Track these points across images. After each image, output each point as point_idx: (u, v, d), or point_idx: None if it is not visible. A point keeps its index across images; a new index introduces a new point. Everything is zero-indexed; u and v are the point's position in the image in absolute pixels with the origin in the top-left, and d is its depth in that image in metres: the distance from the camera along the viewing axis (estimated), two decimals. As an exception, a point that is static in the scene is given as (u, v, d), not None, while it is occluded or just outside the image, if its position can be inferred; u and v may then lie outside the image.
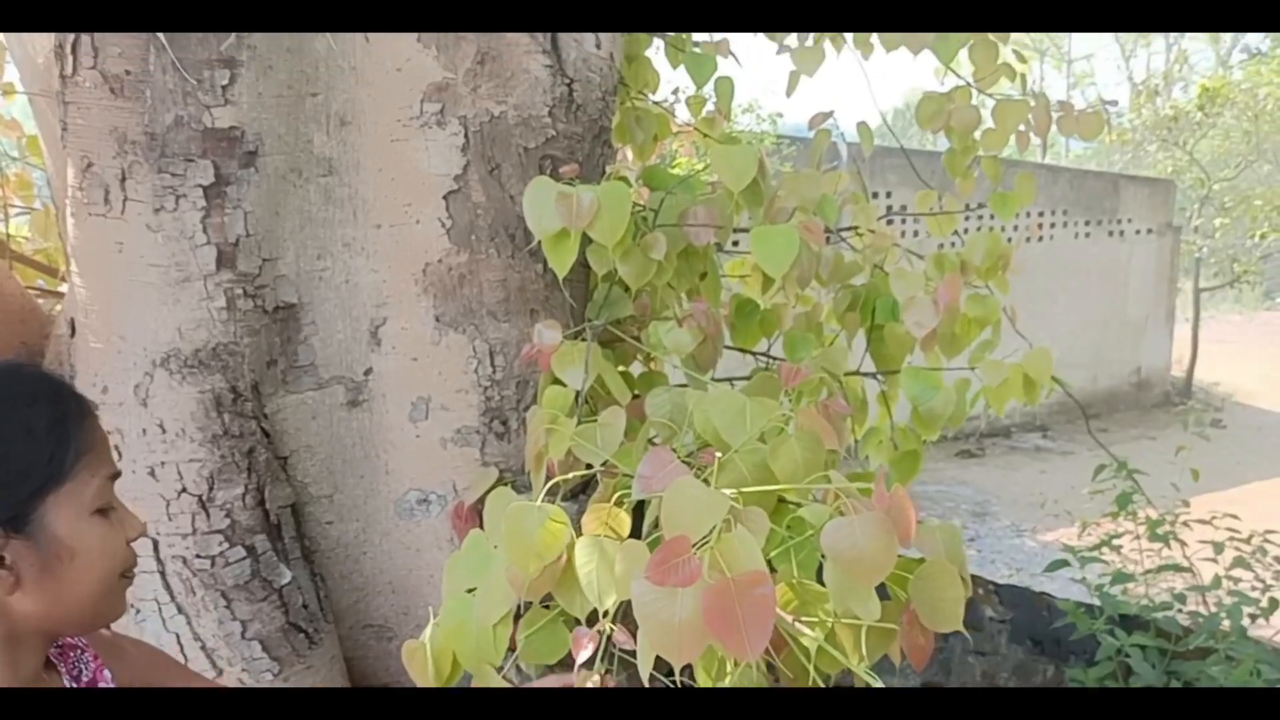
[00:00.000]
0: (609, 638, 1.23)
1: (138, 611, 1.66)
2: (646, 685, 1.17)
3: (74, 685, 1.02)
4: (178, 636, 1.66)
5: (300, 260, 1.68)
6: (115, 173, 1.52)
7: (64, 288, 2.31)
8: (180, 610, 1.65)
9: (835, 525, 1.08)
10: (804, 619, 1.18)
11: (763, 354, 2.28)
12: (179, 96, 1.49)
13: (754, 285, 2.37)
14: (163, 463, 1.61)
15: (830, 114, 2.17)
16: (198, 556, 1.64)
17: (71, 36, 1.48)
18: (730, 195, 1.83)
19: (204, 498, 1.63)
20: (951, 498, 7.56)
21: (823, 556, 1.30)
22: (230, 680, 1.69)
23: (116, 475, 0.95)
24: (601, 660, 1.24)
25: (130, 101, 1.49)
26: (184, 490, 1.62)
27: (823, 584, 1.19)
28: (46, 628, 0.93)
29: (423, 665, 1.37)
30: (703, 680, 1.22)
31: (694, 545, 1.01)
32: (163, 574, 1.64)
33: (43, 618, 0.90)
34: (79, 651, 1.06)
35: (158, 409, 1.60)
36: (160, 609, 1.65)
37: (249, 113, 1.54)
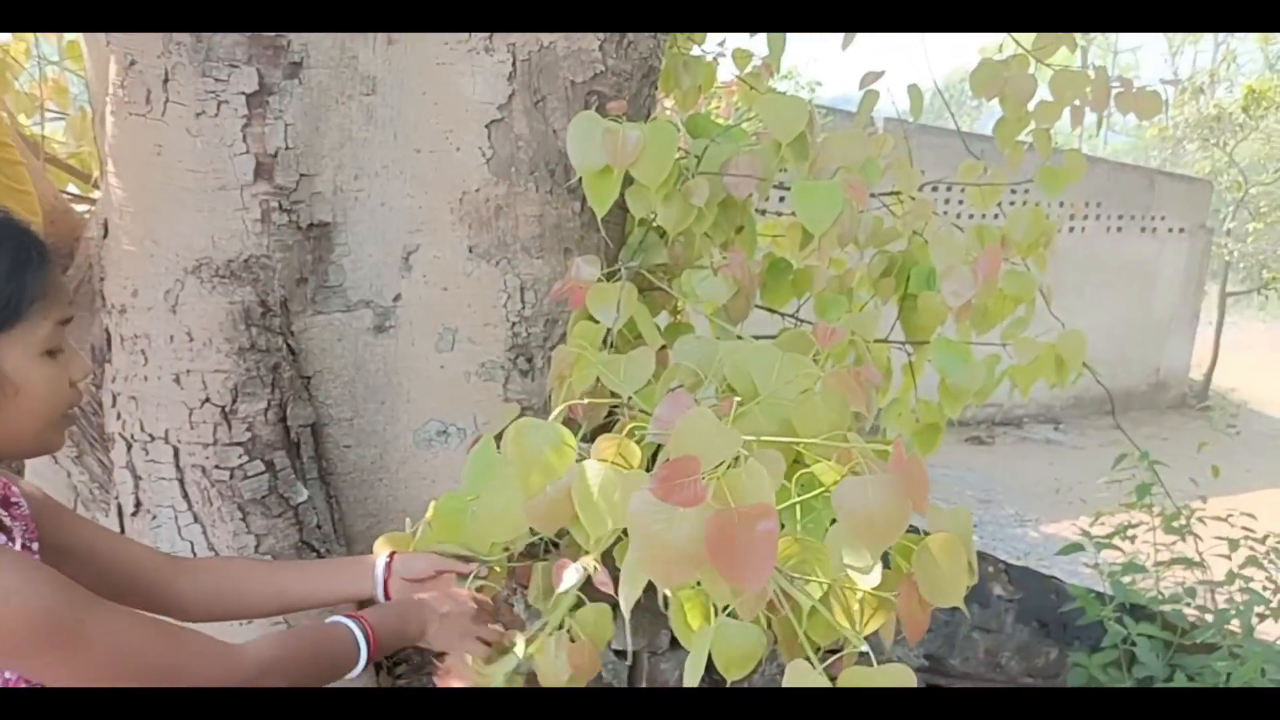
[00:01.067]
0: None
1: (154, 517, 1.67)
2: (628, 615, 1.15)
3: None
4: (191, 545, 1.66)
5: (337, 179, 1.66)
6: (158, 73, 1.50)
7: (95, 193, 2.30)
8: (196, 519, 1.65)
9: (849, 483, 1.06)
10: (802, 576, 1.17)
11: (791, 315, 2.26)
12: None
13: (786, 246, 2.35)
14: (188, 371, 1.60)
15: (882, 73, 2.13)
16: (217, 467, 1.64)
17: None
18: (775, 148, 1.80)
19: (227, 409, 1.63)
20: (957, 482, 7.55)
21: (832, 521, 1.29)
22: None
23: (68, 320, 1.03)
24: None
25: None
26: (207, 400, 1.62)
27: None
28: None
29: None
30: (691, 622, 1.20)
31: (703, 473, 1.00)
32: (181, 482, 1.65)
33: None
34: None
35: (186, 316, 1.59)
36: (176, 516, 1.65)
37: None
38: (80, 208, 2.13)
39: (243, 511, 1.67)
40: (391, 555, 1.36)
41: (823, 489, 1.19)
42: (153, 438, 1.64)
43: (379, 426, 1.81)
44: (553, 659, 1.28)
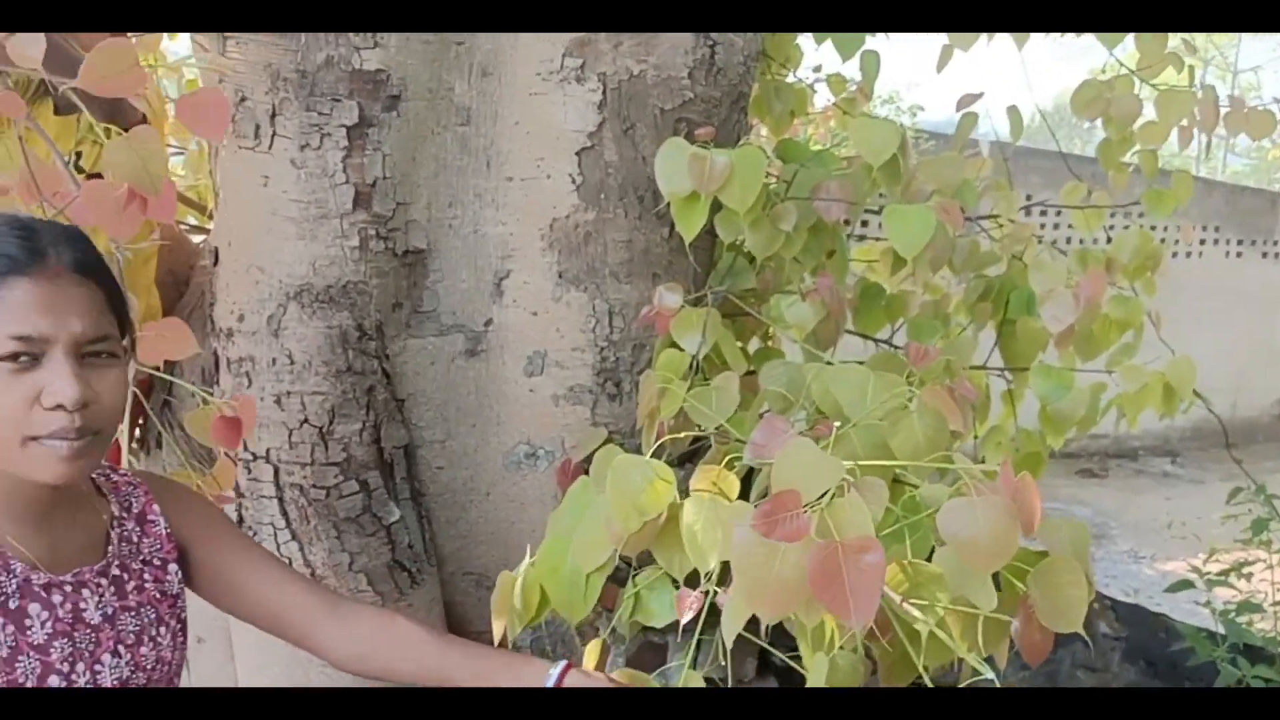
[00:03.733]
0: (713, 600, 1.22)
1: (254, 533, 1.72)
2: (729, 646, 1.14)
3: (124, 513, 1.13)
4: (290, 561, 1.71)
5: (432, 207, 1.71)
6: (266, 108, 1.57)
7: (209, 224, 2.42)
8: (294, 536, 1.71)
9: (954, 505, 1.03)
10: (914, 601, 1.14)
11: (884, 341, 2.22)
12: (331, 36, 1.53)
13: (880, 270, 2.31)
14: (288, 392, 1.66)
15: (980, 95, 2.09)
16: (314, 486, 1.69)
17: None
18: (867, 171, 1.78)
19: (324, 430, 1.68)
20: (1068, 516, 7.26)
21: (938, 541, 1.25)
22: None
23: (30, 338, 0.96)
24: (704, 622, 1.22)
25: (285, 39, 1.53)
26: (306, 421, 1.67)
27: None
28: None
29: (508, 597, 1.38)
30: (806, 655, 1.19)
31: (805, 505, 0.99)
32: (280, 500, 1.70)
33: None
34: (131, 486, 1.17)
35: (288, 340, 1.65)
36: (275, 533, 1.71)
37: (395, 56, 1.57)
38: (196, 238, 2.23)
39: (338, 530, 1.72)
40: (568, 666, 1.21)
41: (929, 511, 1.16)
42: (255, 457, 1.70)
43: (470, 448, 1.84)
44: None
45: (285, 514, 1.70)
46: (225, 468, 1.59)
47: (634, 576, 1.43)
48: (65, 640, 1.02)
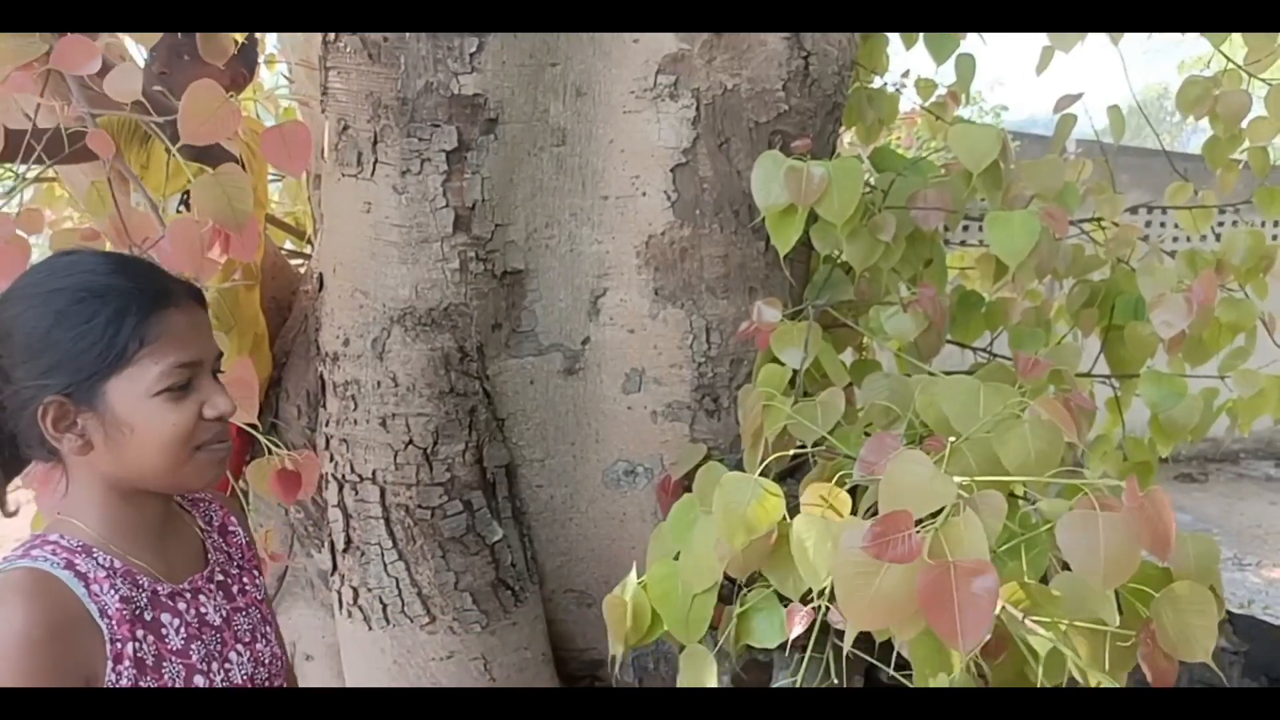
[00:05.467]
0: (824, 617, 1.20)
1: (362, 554, 1.75)
2: (845, 653, 1.13)
3: (207, 527, 1.21)
4: (397, 581, 1.74)
5: (529, 227, 1.72)
6: (368, 136, 1.60)
7: (308, 249, 2.48)
8: (401, 556, 1.73)
9: (1073, 519, 1.00)
10: (1036, 619, 1.11)
11: (984, 349, 2.17)
12: (430, 63, 1.55)
13: (978, 277, 2.26)
14: (393, 414, 1.69)
15: (1079, 96, 2.03)
16: (419, 507, 1.72)
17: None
18: (966, 179, 1.75)
19: (428, 451, 1.70)
20: (1196, 531, 7.01)
21: (1055, 557, 1.22)
22: (441, 630, 1.77)
23: (195, 362, 1.05)
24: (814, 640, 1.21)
25: (386, 67, 1.56)
26: (410, 442, 1.70)
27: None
28: (133, 484, 1.06)
29: (621, 620, 1.38)
30: (919, 675, 1.16)
31: (918, 523, 0.96)
32: (387, 520, 1.73)
33: (121, 477, 1.05)
34: (207, 502, 1.25)
35: (392, 363, 1.68)
36: (383, 553, 1.74)
37: (492, 80, 1.59)
38: (295, 262, 2.29)
39: (443, 549, 1.74)
40: None
41: (1045, 525, 1.13)
42: (361, 478, 1.73)
43: (569, 466, 1.85)
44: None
45: (392, 534, 1.73)
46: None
47: (741, 596, 1.42)
48: (199, 643, 1.09)
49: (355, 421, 1.72)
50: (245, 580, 1.22)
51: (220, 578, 1.17)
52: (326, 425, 1.78)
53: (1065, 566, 1.14)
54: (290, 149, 1.40)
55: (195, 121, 1.31)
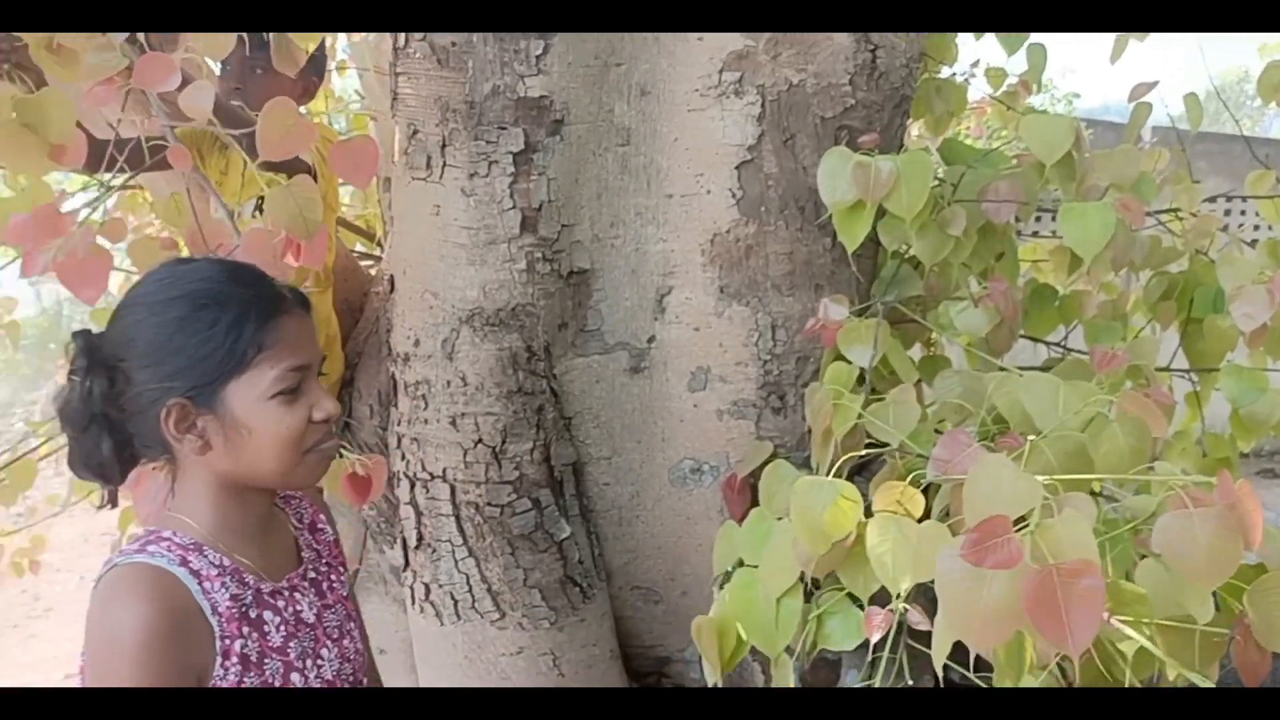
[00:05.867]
0: (902, 620, 1.19)
1: (434, 550, 1.78)
2: (940, 673, 1.11)
3: (299, 524, 1.26)
4: (467, 577, 1.77)
5: (595, 227, 1.73)
6: (437, 140, 1.62)
7: (377, 250, 2.52)
8: (471, 553, 1.76)
9: (1171, 519, 0.98)
10: (1120, 618, 1.09)
11: (1057, 344, 2.13)
12: (497, 66, 1.57)
13: (1051, 270, 2.22)
14: (463, 414, 1.71)
15: (1155, 84, 1.98)
16: (489, 504, 1.74)
17: (405, 11, 1.59)
18: (1038, 170, 1.71)
19: (497, 449, 1.72)
20: None
21: (1140, 555, 1.19)
22: (511, 625, 1.79)
23: (305, 365, 1.10)
24: (892, 644, 1.20)
25: (454, 71, 1.58)
26: (480, 441, 1.72)
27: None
28: (246, 483, 1.12)
29: (711, 640, 1.38)
30: (1000, 678, 1.15)
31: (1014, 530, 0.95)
32: (457, 518, 1.75)
33: (237, 476, 1.10)
34: (299, 500, 1.29)
35: (461, 363, 1.70)
36: (453, 550, 1.76)
37: (558, 82, 1.60)
38: (365, 264, 2.33)
39: (512, 547, 1.76)
40: None
41: (1131, 524, 1.11)
42: (432, 476, 1.76)
43: (635, 465, 1.86)
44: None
45: (462, 531, 1.75)
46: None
47: (815, 599, 1.41)
48: (296, 640, 1.13)
49: (426, 420, 1.75)
50: (333, 577, 1.26)
51: (312, 575, 1.22)
52: (398, 424, 1.81)
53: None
54: (358, 163, 1.45)
55: (272, 138, 1.35)
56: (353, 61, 2.16)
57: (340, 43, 2.24)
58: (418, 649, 1.92)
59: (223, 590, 1.06)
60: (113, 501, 1.16)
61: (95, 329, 1.12)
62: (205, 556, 1.07)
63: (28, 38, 1.51)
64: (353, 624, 1.25)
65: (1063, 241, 1.87)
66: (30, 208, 1.52)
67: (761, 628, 1.37)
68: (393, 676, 2.08)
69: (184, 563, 1.05)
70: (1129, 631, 1.05)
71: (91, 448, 1.09)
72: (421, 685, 1.93)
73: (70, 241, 1.44)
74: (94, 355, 1.08)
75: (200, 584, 1.05)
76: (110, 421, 1.08)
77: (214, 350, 1.05)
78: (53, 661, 4.36)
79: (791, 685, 1.39)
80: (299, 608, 1.16)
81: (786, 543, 1.29)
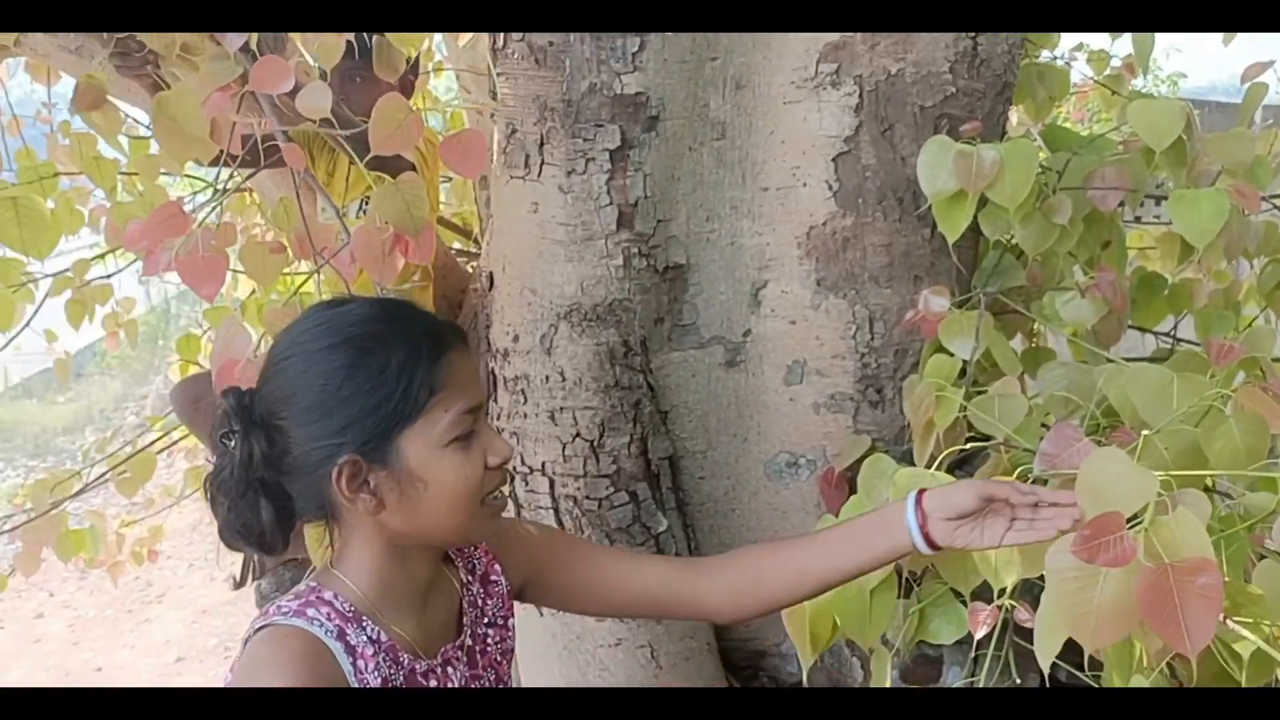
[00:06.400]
0: (1007, 617, 1.17)
1: (534, 543, 1.81)
2: (1046, 671, 1.10)
3: (469, 577, 1.15)
4: (567, 570, 1.79)
5: (690, 222, 1.73)
6: (535, 138, 1.65)
7: (473, 247, 2.57)
8: (570, 546, 1.78)
9: None
10: (1239, 620, 1.06)
11: (1165, 334, 2.06)
12: (594, 64, 1.59)
13: (1159, 258, 2.15)
14: (561, 408, 1.74)
15: (1270, 64, 1.90)
16: (587, 498, 1.76)
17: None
18: (1147, 156, 1.66)
19: (595, 443, 1.74)
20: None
21: (1258, 555, 1.15)
22: (608, 618, 1.81)
23: (478, 406, 1.01)
24: (997, 641, 1.18)
25: (551, 70, 1.60)
26: (578, 435, 1.74)
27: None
28: (413, 542, 1.03)
29: (803, 630, 1.38)
30: (1112, 677, 1.12)
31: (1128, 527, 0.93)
32: (556, 511, 1.78)
33: (411, 534, 1.01)
34: (472, 548, 1.18)
35: (559, 358, 1.73)
36: (553, 543, 1.79)
37: (654, 78, 1.61)
38: (463, 260, 2.38)
39: (610, 540, 1.78)
40: (921, 494, 1.12)
41: (1248, 523, 1.07)
42: (531, 470, 1.79)
43: (731, 459, 1.86)
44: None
45: (560, 524, 1.78)
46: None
47: (915, 593, 1.40)
48: None
49: (525, 415, 1.78)
50: (492, 637, 1.17)
51: (469, 643, 1.13)
52: (498, 419, 1.84)
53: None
54: (468, 155, 1.47)
55: (384, 133, 1.39)
56: (448, 62, 2.21)
57: (438, 43, 2.29)
58: (518, 639, 1.96)
59: (375, 672, 0.98)
60: (258, 574, 1.09)
61: (245, 387, 1.02)
62: (363, 630, 0.99)
63: (154, 42, 1.58)
64: (501, 687, 1.17)
65: (1172, 228, 1.81)
66: (147, 213, 1.60)
67: (855, 618, 1.36)
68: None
69: (341, 635, 0.97)
70: (1245, 633, 1.02)
71: (250, 516, 0.99)
72: (521, 675, 1.97)
73: (190, 240, 1.49)
74: (248, 414, 0.99)
75: (354, 662, 0.97)
76: (267, 485, 0.99)
77: (386, 398, 0.95)
78: (165, 646, 4.56)
79: (889, 678, 1.38)
80: (449, 684, 1.07)
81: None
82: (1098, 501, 1.02)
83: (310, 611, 0.98)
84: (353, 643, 0.98)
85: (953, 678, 1.59)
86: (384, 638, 1.01)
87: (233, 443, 0.99)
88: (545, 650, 1.88)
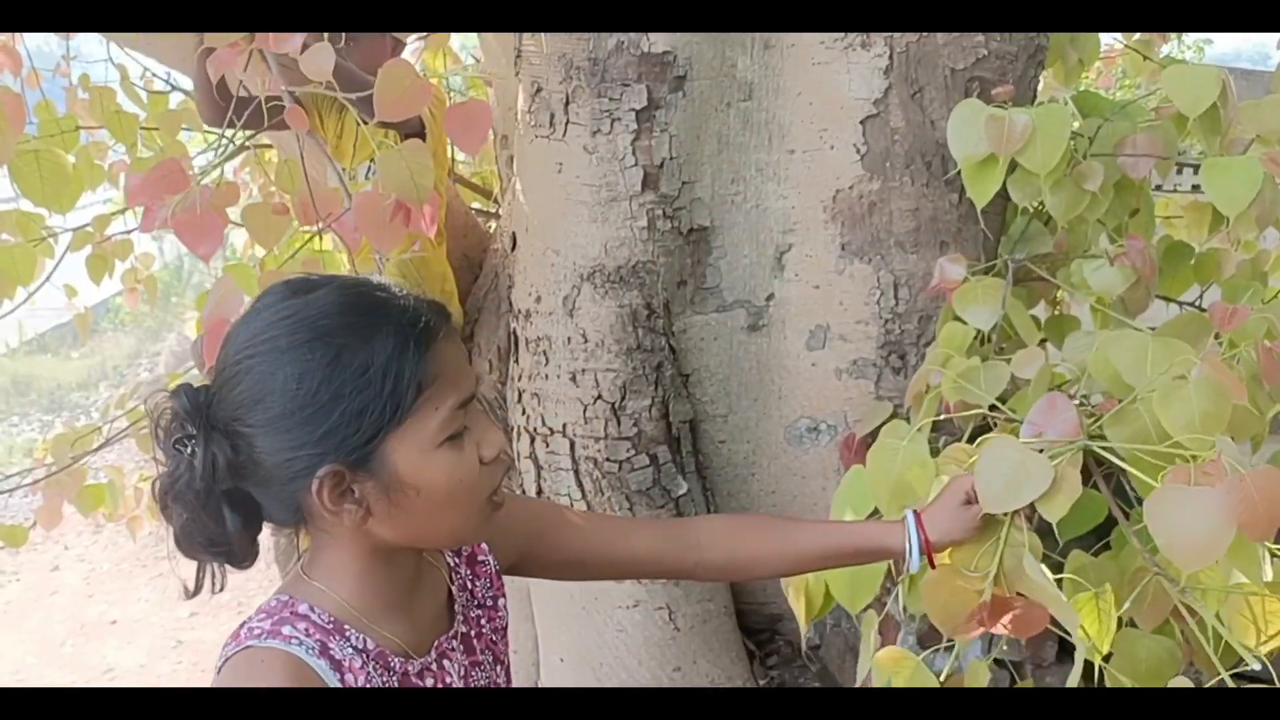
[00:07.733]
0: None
1: (554, 504, 1.82)
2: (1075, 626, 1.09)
3: (456, 560, 1.08)
4: (586, 531, 1.80)
5: (715, 184, 1.72)
6: (560, 97, 1.63)
7: (493, 207, 2.55)
8: (589, 507, 1.79)
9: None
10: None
11: (1190, 304, 2.04)
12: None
13: (1186, 226, 2.13)
14: (583, 370, 1.74)
15: (1308, 29, 1.86)
16: (607, 460, 1.76)
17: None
18: (1179, 123, 1.64)
19: (616, 405, 1.74)
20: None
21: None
22: (627, 579, 1.82)
23: (470, 398, 0.91)
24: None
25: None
26: (599, 397, 1.74)
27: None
28: (408, 547, 0.96)
29: (799, 597, 1.39)
30: (1086, 629, 1.12)
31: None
32: (576, 472, 1.78)
33: (401, 541, 0.93)
34: None
35: (582, 320, 1.72)
36: (572, 504, 1.80)
37: (681, 38, 1.59)
38: (481, 219, 2.37)
39: (629, 501, 1.78)
40: (919, 516, 1.14)
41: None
42: (552, 431, 1.79)
43: (751, 423, 1.86)
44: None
45: (580, 486, 1.79)
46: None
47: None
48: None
49: (546, 376, 1.78)
50: (485, 619, 1.11)
51: (463, 629, 1.06)
52: (518, 379, 1.84)
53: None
54: (469, 126, 1.42)
55: (389, 98, 1.36)
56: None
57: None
58: (536, 601, 1.97)
59: (365, 684, 0.91)
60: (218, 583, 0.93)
61: (196, 384, 0.90)
62: (347, 640, 0.91)
63: None
64: (499, 667, 1.11)
65: (1200, 197, 1.79)
66: (164, 168, 1.57)
67: (845, 586, 1.36)
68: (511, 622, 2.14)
69: (323, 651, 0.89)
70: (1199, 609, 1.03)
71: (214, 528, 0.88)
72: (539, 635, 1.99)
73: (189, 197, 1.44)
74: (207, 418, 0.87)
75: (341, 677, 0.89)
76: (232, 495, 0.88)
77: (369, 402, 0.85)
78: (178, 599, 4.61)
79: (873, 645, 1.36)
80: (447, 678, 1.01)
81: (867, 500, 1.29)
82: (992, 490, 1.07)
83: (286, 630, 0.88)
84: (337, 657, 0.89)
85: (971, 649, 1.59)
86: (371, 645, 0.92)
87: (189, 449, 0.87)
88: (563, 611, 1.89)
